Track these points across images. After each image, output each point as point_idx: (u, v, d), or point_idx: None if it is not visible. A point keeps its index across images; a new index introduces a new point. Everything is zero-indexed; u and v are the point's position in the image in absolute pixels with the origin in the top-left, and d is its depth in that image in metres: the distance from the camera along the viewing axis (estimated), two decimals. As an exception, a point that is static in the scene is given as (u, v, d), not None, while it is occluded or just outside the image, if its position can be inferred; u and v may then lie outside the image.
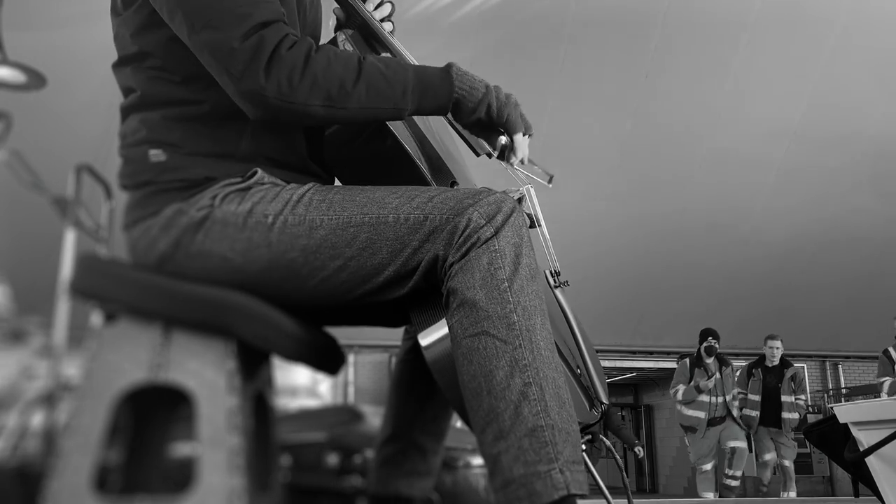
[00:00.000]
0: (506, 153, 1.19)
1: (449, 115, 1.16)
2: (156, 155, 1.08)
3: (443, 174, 1.26)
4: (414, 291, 1.05)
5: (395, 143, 1.18)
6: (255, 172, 1.10)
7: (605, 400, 1.31)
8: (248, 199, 1.06)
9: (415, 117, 1.26)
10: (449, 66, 1.12)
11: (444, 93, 1.11)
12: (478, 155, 1.23)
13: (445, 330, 1.03)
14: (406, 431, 1.33)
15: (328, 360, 1.16)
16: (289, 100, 1.00)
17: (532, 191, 1.32)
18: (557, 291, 1.37)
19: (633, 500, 1.32)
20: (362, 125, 1.18)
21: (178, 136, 1.09)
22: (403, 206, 1.02)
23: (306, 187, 1.08)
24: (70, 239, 2.59)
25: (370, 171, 1.21)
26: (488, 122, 1.15)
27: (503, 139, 1.17)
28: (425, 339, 1.07)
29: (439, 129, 1.39)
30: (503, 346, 0.95)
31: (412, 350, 1.35)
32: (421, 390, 1.34)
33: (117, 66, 1.16)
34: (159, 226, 1.07)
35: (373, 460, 1.37)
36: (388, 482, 1.31)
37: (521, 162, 1.24)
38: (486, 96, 1.13)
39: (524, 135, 1.19)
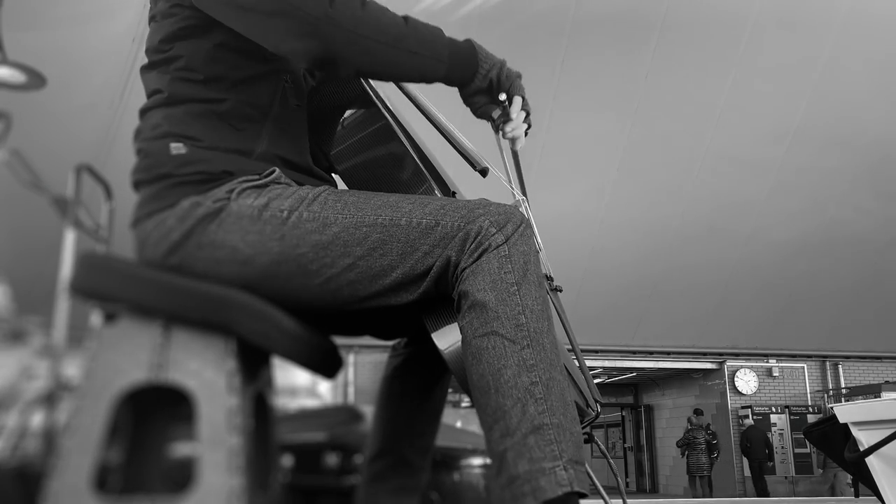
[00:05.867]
0: (502, 123, 1.24)
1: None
2: (177, 148, 1.10)
3: (443, 186, 1.29)
4: (424, 298, 1.07)
5: (402, 154, 1.22)
6: (273, 171, 1.12)
7: (600, 399, 1.32)
8: (265, 194, 1.09)
9: (409, 135, 1.30)
10: (469, 39, 1.19)
11: (470, 58, 1.17)
12: (475, 168, 1.27)
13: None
14: (395, 447, 1.34)
15: (326, 362, 1.16)
16: (354, 29, 1.05)
17: (526, 202, 1.34)
18: (552, 295, 1.38)
19: (632, 501, 1.33)
20: (376, 136, 1.24)
21: (198, 131, 1.12)
22: (416, 211, 1.05)
23: (322, 188, 1.11)
24: (70, 239, 2.59)
25: (378, 182, 1.24)
26: (497, 87, 1.21)
27: (499, 111, 1.23)
28: (443, 343, 1.10)
29: (430, 149, 1.41)
30: (511, 346, 0.98)
31: (401, 366, 1.37)
32: (410, 406, 1.36)
33: (145, 69, 1.20)
34: (175, 217, 1.08)
35: (361, 477, 1.38)
36: (377, 498, 1.32)
37: (515, 144, 1.26)
38: (501, 63, 1.21)
39: (523, 110, 1.25)
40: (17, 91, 4.73)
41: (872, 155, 9.94)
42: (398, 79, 1.17)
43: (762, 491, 11.83)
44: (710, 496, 12.03)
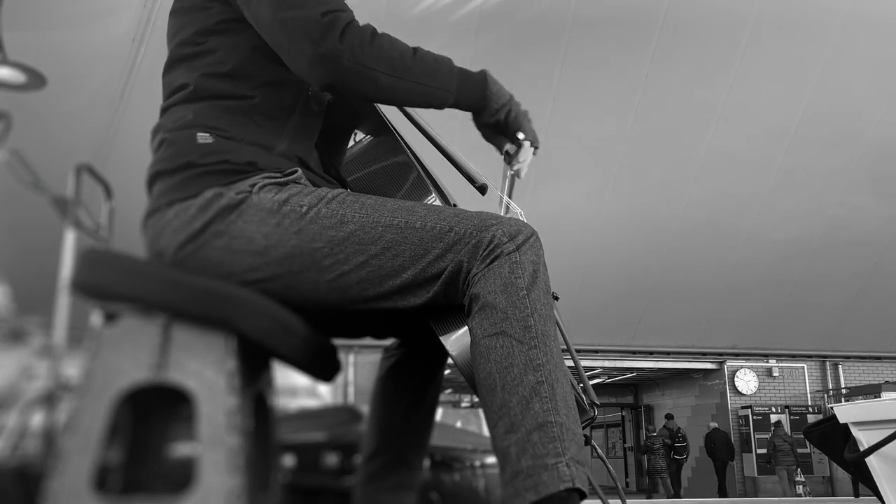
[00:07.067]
0: (510, 158, 1.31)
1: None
2: (203, 137, 1.13)
3: (444, 199, 1.33)
4: (431, 304, 1.09)
5: (409, 167, 1.26)
6: (296, 171, 1.16)
7: (596, 402, 1.34)
8: (286, 190, 1.12)
9: (416, 157, 1.34)
10: (483, 70, 1.25)
11: (480, 88, 1.23)
12: (473, 184, 1.34)
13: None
14: (391, 445, 1.36)
15: (326, 364, 1.16)
16: (360, 62, 1.10)
17: (523, 216, 1.38)
18: None
19: (632, 501, 1.34)
20: (387, 144, 1.29)
21: (224, 123, 1.15)
22: (431, 216, 1.09)
23: (340, 190, 1.14)
24: (70, 239, 2.59)
25: (385, 194, 1.27)
26: (504, 127, 1.28)
27: (510, 146, 1.30)
28: (452, 344, 1.14)
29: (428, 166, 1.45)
30: (519, 346, 1.00)
31: (394, 367, 1.40)
32: (405, 405, 1.38)
33: (170, 66, 1.22)
34: (197, 206, 1.10)
35: (358, 477, 1.39)
36: (375, 497, 1.33)
37: (517, 174, 1.34)
38: (509, 102, 1.26)
39: (531, 146, 1.32)
40: (17, 91, 4.73)
41: (872, 155, 9.94)
42: (405, 105, 1.23)
43: (722, 489, 13.00)
44: (669, 495, 13.21)
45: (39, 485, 0.92)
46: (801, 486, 11.92)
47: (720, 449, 12.86)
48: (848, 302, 11.81)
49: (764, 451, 12.79)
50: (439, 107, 1.20)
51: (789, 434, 12.30)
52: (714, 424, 13.23)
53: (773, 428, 12.53)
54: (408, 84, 1.14)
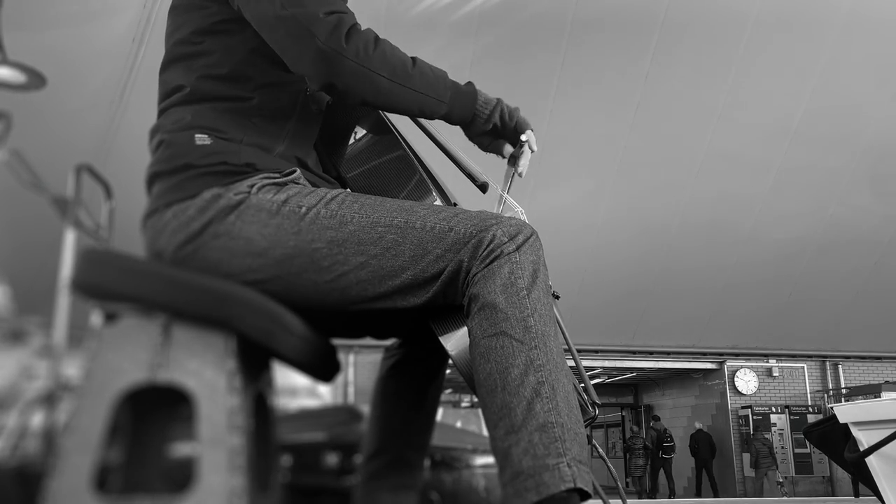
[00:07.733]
0: (515, 160, 1.31)
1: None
2: (201, 138, 1.13)
3: (444, 197, 1.33)
4: (430, 304, 1.09)
5: (409, 165, 1.27)
6: (294, 171, 1.16)
7: (597, 401, 1.34)
8: (285, 191, 1.12)
9: (417, 155, 1.34)
10: (470, 82, 1.24)
11: (470, 101, 1.22)
12: (475, 183, 1.35)
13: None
14: (392, 445, 1.36)
15: (325, 364, 1.16)
16: (364, 63, 1.10)
17: (524, 215, 1.38)
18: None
19: (632, 502, 1.34)
20: (384, 142, 1.30)
21: (223, 124, 1.15)
22: (431, 217, 1.09)
23: (339, 190, 1.15)
24: (70, 239, 2.58)
25: (385, 192, 1.27)
26: (500, 130, 1.28)
27: (509, 148, 1.30)
28: (451, 345, 1.13)
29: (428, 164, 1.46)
30: (519, 347, 1.00)
31: (395, 367, 1.40)
32: (406, 404, 1.38)
33: (167, 65, 1.22)
34: (196, 207, 1.10)
35: (359, 476, 1.39)
36: (376, 496, 1.33)
37: (520, 174, 1.33)
38: (497, 106, 1.25)
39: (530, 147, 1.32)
40: (17, 91, 4.73)
41: (872, 154, 9.94)
42: (400, 112, 1.23)
43: (698, 486, 13.68)
44: (647, 494, 13.93)
45: (39, 485, 0.92)
46: (780, 487, 12.23)
47: (703, 449, 13.34)
48: (848, 302, 11.81)
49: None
50: (430, 116, 1.21)
51: (769, 439, 12.57)
52: (699, 425, 13.59)
53: (752, 432, 12.68)
54: (406, 91, 1.14)
